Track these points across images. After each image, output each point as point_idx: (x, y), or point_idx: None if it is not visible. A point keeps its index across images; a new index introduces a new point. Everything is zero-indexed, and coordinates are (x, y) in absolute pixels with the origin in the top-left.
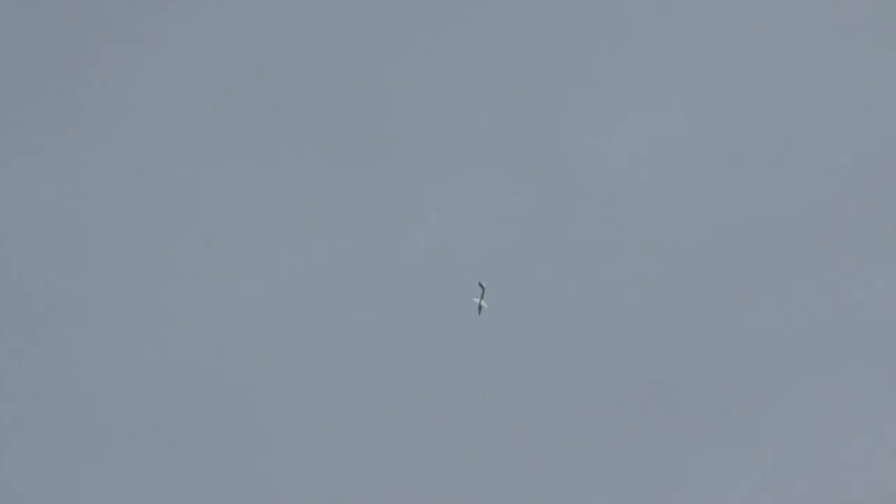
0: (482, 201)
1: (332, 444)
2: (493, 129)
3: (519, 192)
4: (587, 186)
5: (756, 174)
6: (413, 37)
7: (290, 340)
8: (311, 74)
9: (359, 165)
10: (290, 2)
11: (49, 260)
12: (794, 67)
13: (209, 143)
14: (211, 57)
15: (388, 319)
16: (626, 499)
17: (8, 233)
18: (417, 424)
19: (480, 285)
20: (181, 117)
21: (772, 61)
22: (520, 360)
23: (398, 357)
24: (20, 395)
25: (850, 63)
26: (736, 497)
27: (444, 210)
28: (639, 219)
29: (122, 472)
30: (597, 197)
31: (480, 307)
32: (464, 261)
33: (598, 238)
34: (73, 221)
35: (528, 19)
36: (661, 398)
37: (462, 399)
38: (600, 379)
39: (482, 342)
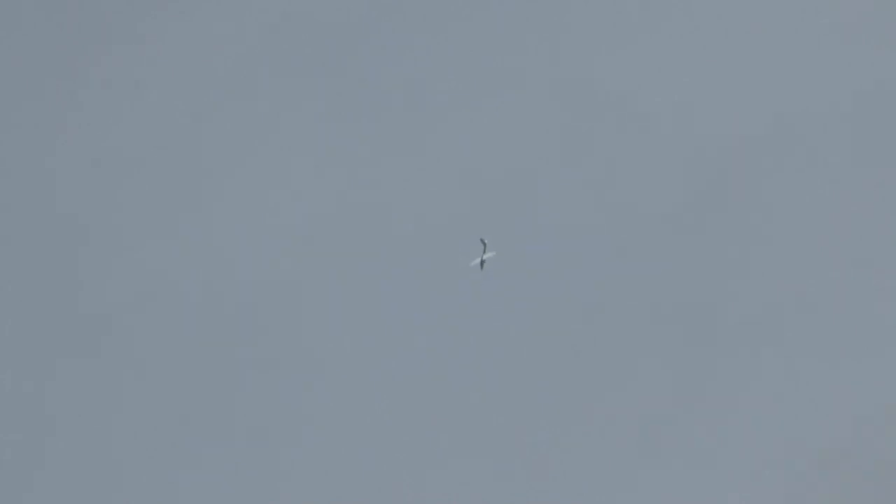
0: (513, 111)
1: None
2: (522, 39)
3: (549, 105)
4: (617, 101)
5: (797, 78)
6: None
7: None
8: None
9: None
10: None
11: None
12: None
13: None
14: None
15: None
16: (653, 419)
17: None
18: (443, 323)
19: (482, 241)
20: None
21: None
22: (545, 277)
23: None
24: (78, 311)
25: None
26: (768, 420)
27: (471, 120)
28: (669, 133)
29: (167, 380)
30: (630, 113)
31: (483, 262)
32: (495, 174)
33: (628, 154)
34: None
35: None
36: (692, 319)
37: (489, 315)
38: (629, 297)
39: (508, 258)
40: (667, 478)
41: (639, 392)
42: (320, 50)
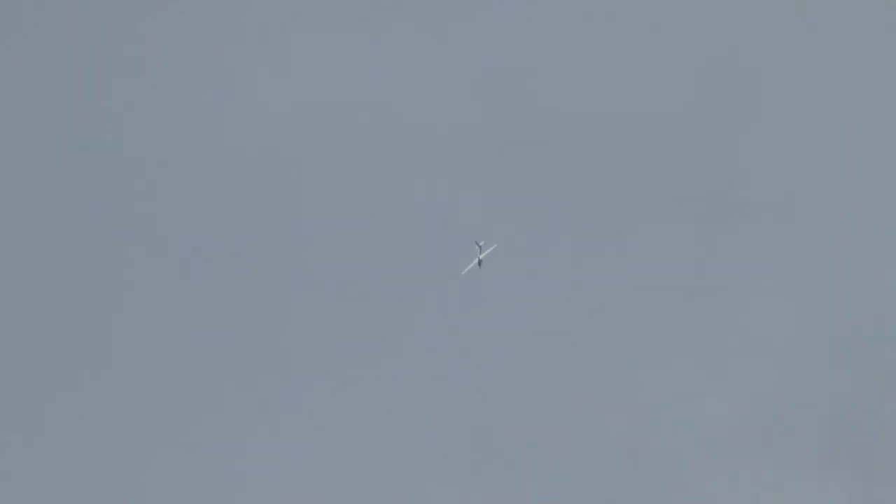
0: (534, 8)
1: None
2: None
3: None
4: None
5: None
6: None
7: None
8: None
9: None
10: None
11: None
12: None
13: None
14: None
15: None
16: (674, 301)
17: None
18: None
19: (477, 244)
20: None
21: None
22: (571, 164)
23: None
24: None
25: None
26: (783, 304)
27: (500, 19)
28: (692, 26)
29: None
30: (645, 11)
31: (480, 261)
32: (519, 65)
33: (652, 45)
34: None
35: None
36: (712, 204)
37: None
38: (652, 184)
39: (525, 150)
40: (683, 358)
41: (655, 279)
42: None
